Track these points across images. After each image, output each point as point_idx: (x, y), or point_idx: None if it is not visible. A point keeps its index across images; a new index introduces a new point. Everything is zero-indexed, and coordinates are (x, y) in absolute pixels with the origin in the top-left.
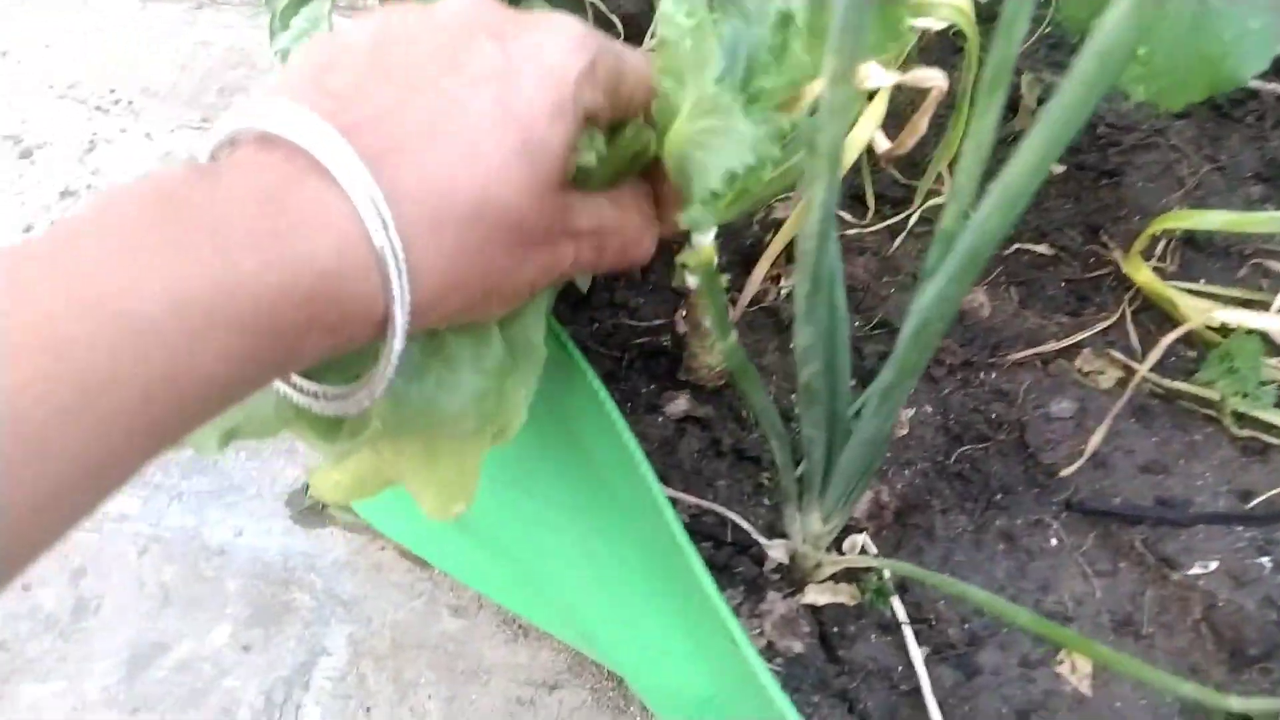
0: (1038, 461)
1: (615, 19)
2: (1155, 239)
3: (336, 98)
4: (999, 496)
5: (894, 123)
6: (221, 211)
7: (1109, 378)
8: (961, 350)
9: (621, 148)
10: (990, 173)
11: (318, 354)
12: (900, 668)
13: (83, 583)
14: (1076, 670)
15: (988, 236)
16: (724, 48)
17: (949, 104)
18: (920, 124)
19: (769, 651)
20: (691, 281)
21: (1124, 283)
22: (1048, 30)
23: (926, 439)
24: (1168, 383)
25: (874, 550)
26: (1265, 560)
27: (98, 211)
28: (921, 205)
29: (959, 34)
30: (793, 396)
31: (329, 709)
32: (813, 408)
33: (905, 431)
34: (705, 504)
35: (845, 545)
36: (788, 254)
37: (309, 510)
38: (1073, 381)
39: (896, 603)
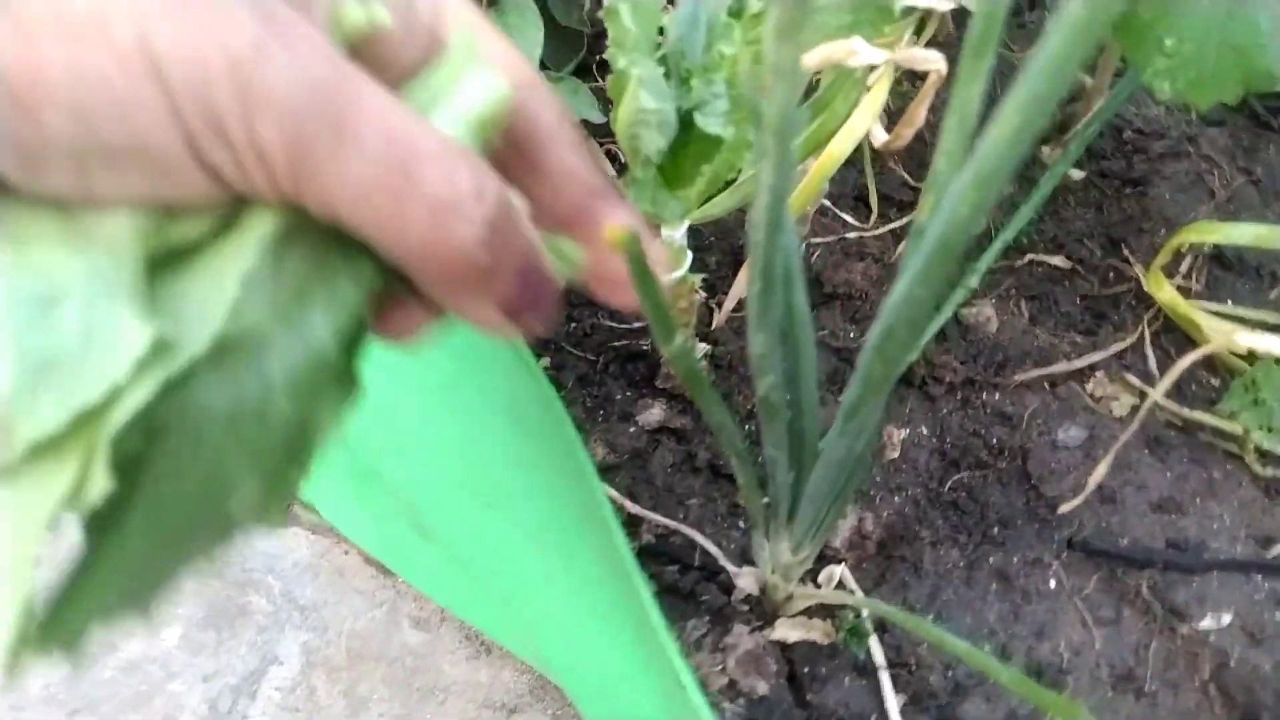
0: (1040, 493)
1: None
2: (1180, 254)
3: None
4: (995, 530)
5: (900, 118)
6: None
7: (1123, 404)
8: (963, 367)
9: None
10: None
11: None
12: (874, 716)
13: None
14: None
15: (959, 226)
16: (682, 15)
17: None
18: (918, 114)
19: (730, 691)
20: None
21: (1145, 301)
22: None
23: (919, 463)
24: (1186, 412)
25: (853, 584)
26: None
27: None
28: None
29: (968, 16)
30: None
31: None
32: (772, 424)
33: (896, 454)
34: (673, 524)
35: (821, 577)
36: None
37: None
38: (1083, 407)
39: (874, 643)
